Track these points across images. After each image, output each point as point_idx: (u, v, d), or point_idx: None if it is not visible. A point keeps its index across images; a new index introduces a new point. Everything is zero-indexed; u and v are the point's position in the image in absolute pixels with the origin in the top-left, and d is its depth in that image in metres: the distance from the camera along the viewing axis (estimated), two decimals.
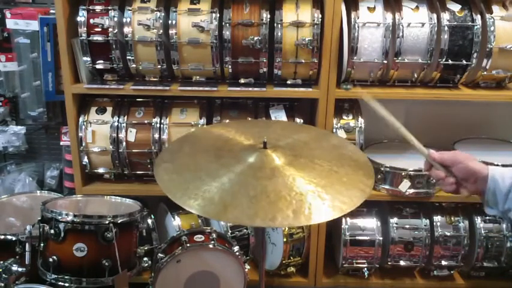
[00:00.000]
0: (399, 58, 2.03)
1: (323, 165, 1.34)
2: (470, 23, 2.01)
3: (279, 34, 2.01)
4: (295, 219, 1.15)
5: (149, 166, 2.17)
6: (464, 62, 2.04)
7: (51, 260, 1.63)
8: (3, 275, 1.58)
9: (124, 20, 2.03)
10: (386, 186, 2.17)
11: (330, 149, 1.46)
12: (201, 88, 2.09)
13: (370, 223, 2.28)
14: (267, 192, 1.21)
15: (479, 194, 1.30)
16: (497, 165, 2.07)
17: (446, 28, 2.00)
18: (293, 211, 1.16)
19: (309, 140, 1.51)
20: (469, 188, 1.30)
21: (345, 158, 1.42)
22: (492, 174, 1.26)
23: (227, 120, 2.17)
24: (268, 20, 2.01)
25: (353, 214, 2.26)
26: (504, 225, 2.27)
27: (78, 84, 2.12)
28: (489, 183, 1.25)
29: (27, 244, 1.65)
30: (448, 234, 2.25)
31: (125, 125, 2.16)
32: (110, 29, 2.03)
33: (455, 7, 2.03)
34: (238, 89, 2.10)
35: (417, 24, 2.01)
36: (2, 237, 1.75)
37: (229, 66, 2.08)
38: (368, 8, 2.03)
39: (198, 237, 1.85)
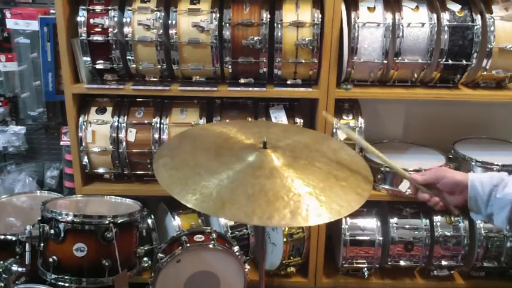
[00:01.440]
0: (399, 58, 2.03)
1: (322, 168, 1.34)
2: (470, 23, 2.00)
3: (279, 34, 2.01)
4: (293, 219, 1.16)
5: (149, 166, 2.17)
6: (464, 62, 2.04)
7: (51, 260, 1.63)
8: (3, 275, 1.58)
9: (124, 20, 2.03)
10: (386, 186, 2.17)
11: (329, 152, 1.46)
12: (201, 88, 2.09)
13: (370, 223, 2.28)
14: (265, 191, 1.21)
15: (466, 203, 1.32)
16: (497, 165, 2.08)
17: (446, 28, 2.00)
18: (290, 211, 1.16)
19: (309, 142, 1.51)
20: (457, 200, 1.32)
21: (344, 161, 1.42)
22: (472, 181, 1.28)
23: (227, 120, 2.17)
24: (268, 20, 2.01)
25: (353, 214, 2.21)
26: None
27: (78, 84, 2.12)
28: (469, 192, 1.28)
29: (27, 244, 1.65)
30: (448, 234, 2.25)
31: (124, 125, 2.16)
32: (110, 29, 2.03)
33: (455, 7, 2.03)
34: (238, 89, 2.10)
35: (417, 24, 2.01)
36: (2, 237, 1.75)
37: (229, 66, 2.07)
38: (368, 8, 2.03)
39: (198, 237, 1.85)
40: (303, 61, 2.06)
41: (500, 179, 1.25)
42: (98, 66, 2.10)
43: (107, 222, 1.64)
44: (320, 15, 2.01)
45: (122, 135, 2.15)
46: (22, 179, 2.52)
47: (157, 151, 2.06)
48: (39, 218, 1.67)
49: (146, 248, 1.86)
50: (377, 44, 2.03)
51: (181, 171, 1.32)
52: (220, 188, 1.23)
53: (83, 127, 2.15)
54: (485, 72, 2.07)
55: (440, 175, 1.33)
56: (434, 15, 2.02)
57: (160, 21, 2.02)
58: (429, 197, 1.35)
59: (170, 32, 2.02)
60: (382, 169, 2.14)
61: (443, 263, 2.29)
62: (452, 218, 2.27)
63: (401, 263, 2.30)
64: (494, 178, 1.26)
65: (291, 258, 2.27)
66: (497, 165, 2.08)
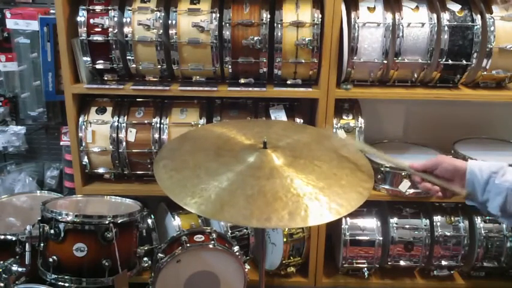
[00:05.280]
0: (399, 58, 2.03)
1: (322, 166, 1.34)
2: (470, 23, 2.00)
3: (279, 34, 2.01)
4: (291, 220, 1.15)
5: (149, 166, 2.17)
6: (464, 62, 2.04)
7: (51, 260, 1.63)
8: (3, 275, 1.58)
9: (124, 20, 2.03)
10: (386, 186, 2.17)
11: (330, 150, 1.46)
12: (201, 88, 2.09)
13: (370, 223, 2.28)
14: (264, 192, 1.21)
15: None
16: None
17: (446, 28, 2.00)
18: (289, 212, 1.16)
19: (309, 141, 1.51)
20: (458, 188, 1.32)
21: (344, 160, 1.41)
22: (470, 167, 1.29)
23: (227, 120, 2.17)
24: (268, 20, 2.01)
25: (353, 214, 2.22)
26: (504, 225, 2.27)
27: (78, 84, 2.12)
28: (468, 176, 1.29)
29: (27, 244, 1.65)
30: (448, 234, 2.25)
31: (124, 125, 2.16)
32: (110, 29, 2.03)
33: (455, 7, 2.03)
34: (238, 89, 2.10)
35: (417, 24, 2.01)
36: (2, 237, 1.75)
37: (229, 66, 2.07)
38: (368, 8, 2.03)
39: (198, 237, 1.85)
40: (303, 61, 2.06)
41: (499, 167, 1.27)
42: (98, 66, 2.10)
43: (107, 222, 1.64)
44: (320, 15, 2.01)
45: (122, 135, 2.15)
46: (22, 179, 2.52)
47: (158, 153, 2.07)
48: (39, 218, 1.67)
49: (146, 248, 1.86)
50: (377, 44, 2.03)
51: (181, 173, 1.32)
52: (219, 190, 1.22)
53: (83, 127, 2.15)
54: (485, 72, 2.07)
55: (439, 161, 1.34)
56: (434, 15, 2.02)
57: (160, 21, 2.02)
58: (430, 187, 1.35)
59: (170, 32, 2.02)
60: (382, 169, 2.15)
61: (443, 263, 2.29)
62: (452, 218, 2.27)
63: (401, 263, 2.30)
64: (494, 166, 1.28)
65: (291, 258, 2.27)
66: None
